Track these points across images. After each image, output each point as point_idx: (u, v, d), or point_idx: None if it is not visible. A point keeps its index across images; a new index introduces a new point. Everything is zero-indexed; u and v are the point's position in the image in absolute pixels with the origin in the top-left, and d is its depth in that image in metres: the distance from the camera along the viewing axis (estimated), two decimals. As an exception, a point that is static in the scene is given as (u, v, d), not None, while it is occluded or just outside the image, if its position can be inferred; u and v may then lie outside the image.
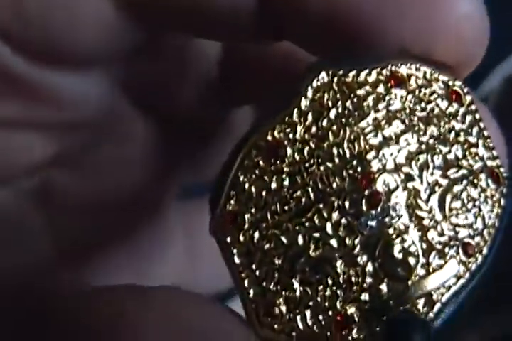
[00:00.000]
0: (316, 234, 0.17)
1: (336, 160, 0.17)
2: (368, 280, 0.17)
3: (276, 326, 0.17)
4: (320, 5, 0.17)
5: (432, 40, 0.18)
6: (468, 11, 0.18)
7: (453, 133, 0.18)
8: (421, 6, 0.17)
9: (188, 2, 0.18)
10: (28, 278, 0.23)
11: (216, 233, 0.17)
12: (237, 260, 0.17)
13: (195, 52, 0.24)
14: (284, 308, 0.17)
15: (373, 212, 0.17)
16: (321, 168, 0.17)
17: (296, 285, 0.17)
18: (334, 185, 0.17)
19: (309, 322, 0.17)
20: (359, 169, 0.17)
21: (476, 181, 0.18)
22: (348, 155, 0.17)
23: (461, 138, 0.18)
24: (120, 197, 0.25)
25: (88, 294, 0.17)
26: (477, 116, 0.19)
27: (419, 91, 0.18)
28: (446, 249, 0.18)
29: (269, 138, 0.17)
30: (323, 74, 0.17)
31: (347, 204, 0.17)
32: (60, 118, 0.22)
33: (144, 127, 0.25)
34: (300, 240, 0.17)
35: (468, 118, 0.18)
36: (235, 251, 0.17)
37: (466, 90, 0.18)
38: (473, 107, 0.19)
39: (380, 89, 0.17)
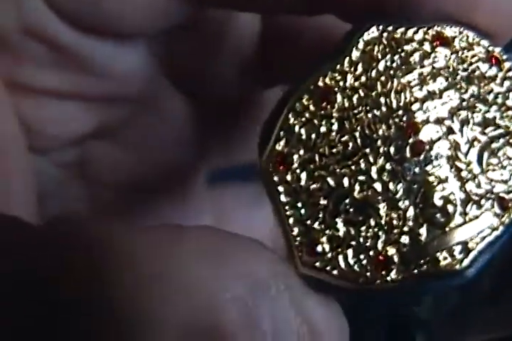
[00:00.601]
0: (362, 178, 0.18)
1: (383, 108, 0.18)
2: (409, 223, 0.18)
3: (317, 264, 0.18)
4: None
5: (471, 8, 0.19)
6: None
7: (492, 95, 0.19)
8: None
9: None
10: None
11: (264, 172, 0.18)
12: (283, 198, 0.18)
13: (234, 30, 0.25)
14: (327, 246, 0.18)
15: (416, 159, 0.18)
16: (369, 115, 0.18)
17: (339, 224, 0.18)
18: (380, 132, 0.18)
19: (351, 261, 0.18)
20: (405, 118, 0.18)
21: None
22: (394, 105, 0.18)
23: (499, 100, 0.19)
24: (153, 173, 0.26)
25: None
26: None
27: (462, 53, 0.19)
28: (483, 201, 0.19)
29: (321, 83, 0.18)
30: (373, 28, 0.19)
31: (392, 150, 0.18)
32: (102, 90, 0.23)
33: (180, 105, 0.25)
34: (346, 182, 0.18)
35: (507, 83, 0.20)
36: (281, 189, 0.18)
37: (504, 57, 0.20)
38: (510, 74, 0.20)
39: (426, 47, 0.19)
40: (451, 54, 0.19)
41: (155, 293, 0.15)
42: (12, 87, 0.21)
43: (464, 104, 0.19)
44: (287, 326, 0.16)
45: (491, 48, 0.20)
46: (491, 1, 0.19)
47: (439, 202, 0.18)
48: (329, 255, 0.18)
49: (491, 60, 0.20)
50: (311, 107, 0.18)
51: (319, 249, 0.18)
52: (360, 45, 0.18)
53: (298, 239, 0.18)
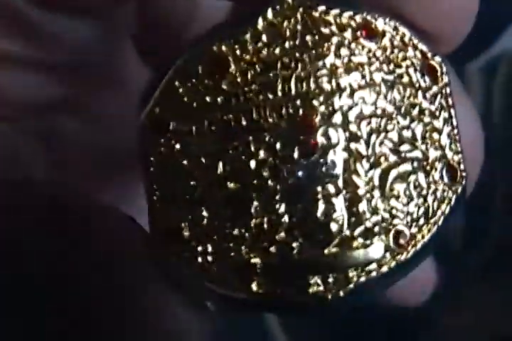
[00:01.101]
0: (237, 166, 0.15)
1: (279, 93, 0.15)
2: (282, 233, 0.15)
3: (174, 251, 0.15)
4: None
5: (417, 3, 0.16)
6: None
7: (417, 110, 0.16)
8: None
9: None
10: None
11: (139, 136, 0.16)
12: (152, 169, 0.16)
13: (203, 11, 0.24)
14: (186, 234, 0.15)
15: (304, 161, 0.15)
16: (261, 97, 0.15)
17: (205, 213, 0.15)
18: (270, 120, 0.15)
19: (209, 258, 0.15)
20: (301, 111, 0.15)
21: (429, 169, 0.16)
22: (292, 92, 0.15)
23: (426, 119, 0.16)
24: (117, 146, 0.24)
25: None
26: (450, 101, 0.17)
27: (392, 52, 0.16)
28: (376, 229, 0.15)
29: (215, 49, 0.15)
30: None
31: (278, 144, 0.15)
32: (59, 58, 0.22)
33: (146, 77, 0.24)
34: (220, 167, 0.15)
35: (439, 99, 0.17)
36: (152, 159, 0.16)
37: (445, 69, 0.17)
38: (447, 90, 0.17)
39: (348, 34, 0.16)
40: (377, 49, 0.16)
41: None
42: None
43: (379, 111, 0.16)
44: None
45: (430, 55, 0.17)
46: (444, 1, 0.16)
47: (321, 218, 0.15)
48: (189, 244, 0.15)
49: (426, 69, 0.16)
50: (199, 73, 0.15)
51: (179, 234, 0.15)
52: (269, 15, 0.15)
53: (160, 218, 0.16)
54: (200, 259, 0.15)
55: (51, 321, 0.15)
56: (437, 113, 0.16)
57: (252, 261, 0.15)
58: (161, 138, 0.16)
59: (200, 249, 0.15)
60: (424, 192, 0.16)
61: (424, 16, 0.16)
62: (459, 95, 0.18)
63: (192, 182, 0.15)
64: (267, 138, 0.15)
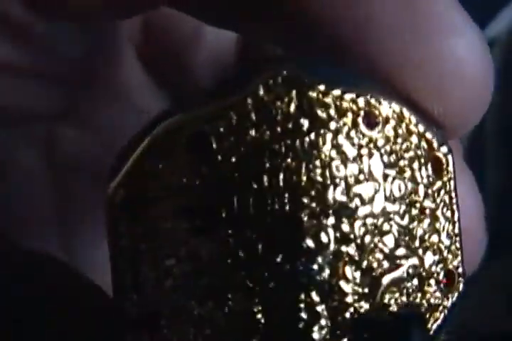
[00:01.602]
0: (213, 262, 0.13)
1: (265, 185, 0.13)
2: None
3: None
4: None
5: (420, 81, 0.15)
6: (470, 55, 0.15)
7: (417, 208, 0.14)
8: (421, 36, 0.14)
9: None
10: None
11: (106, 214, 0.14)
12: (118, 256, 0.14)
13: (212, 35, 0.24)
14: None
15: (288, 266, 0.13)
16: (244, 186, 0.13)
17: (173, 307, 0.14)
18: (252, 214, 0.13)
19: None
20: (287, 208, 0.13)
21: (424, 275, 0.15)
22: (281, 186, 0.13)
23: (426, 220, 0.15)
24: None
25: None
26: (453, 197, 0.15)
27: (395, 142, 0.14)
28: None
29: (196, 124, 0.14)
30: (284, 73, 0.14)
31: (260, 245, 0.13)
32: (62, 68, 0.22)
33: (150, 93, 0.24)
34: (193, 261, 0.14)
35: (442, 196, 0.15)
36: (120, 243, 0.14)
37: (450, 160, 0.15)
38: (452, 184, 0.15)
39: (347, 120, 0.14)
40: (379, 139, 0.14)
41: None
42: None
43: (376, 210, 0.14)
44: None
45: (435, 145, 0.15)
46: (460, 82, 0.15)
47: (303, 328, 0.13)
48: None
49: (431, 163, 0.15)
50: (176, 150, 0.14)
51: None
52: (260, 91, 0.14)
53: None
54: None
55: None
56: (439, 212, 0.15)
57: None
58: (130, 221, 0.14)
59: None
60: (418, 300, 0.14)
61: (435, 99, 0.15)
62: (463, 174, 0.16)
63: (162, 272, 0.14)
64: (247, 235, 0.13)
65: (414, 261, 0.14)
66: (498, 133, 0.51)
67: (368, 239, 0.14)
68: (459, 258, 0.15)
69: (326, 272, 0.13)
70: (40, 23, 0.21)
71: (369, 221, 0.14)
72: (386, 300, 0.14)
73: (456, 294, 0.15)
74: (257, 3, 0.15)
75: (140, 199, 0.14)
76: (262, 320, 0.13)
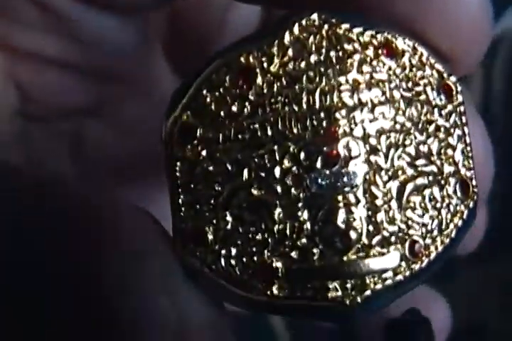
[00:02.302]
0: (263, 174, 0.16)
1: (304, 106, 0.16)
2: (303, 239, 0.16)
3: (198, 253, 0.16)
4: None
5: (431, 23, 0.17)
6: (473, 5, 0.17)
7: (433, 126, 0.17)
8: None
9: None
10: None
11: (165, 142, 0.16)
12: (178, 174, 0.16)
13: (234, 22, 0.25)
14: (211, 237, 0.16)
15: (327, 171, 0.16)
16: (286, 108, 0.16)
17: (229, 218, 0.16)
18: (295, 131, 0.16)
19: (232, 261, 0.16)
20: (324, 123, 0.16)
21: (443, 183, 0.17)
22: (317, 106, 0.16)
23: (441, 135, 0.17)
24: (140, 155, 0.25)
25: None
26: (463, 119, 0.17)
27: (410, 70, 0.17)
28: (393, 239, 0.16)
29: (243, 60, 0.16)
30: (314, 15, 0.16)
31: (302, 154, 0.16)
32: (95, 61, 0.23)
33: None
34: (245, 174, 0.16)
35: (454, 117, 0.17)
36: (178, 164, 0.16)
37: (459, 88, 0.17)
38: (461, 109, 0.17)
39: (370, 52, 0.16)
40: (397, 68, 0.17)
41: None
42: (8, 51, 0.21)
43: (398, 126, 0.16)
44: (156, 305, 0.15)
45: (445, 75, 0.17)
46: (463, 22, 0.17)
47: (341, 225, 0.16)
48: (212, 248, 0.16)
49: (442, 88, 0.17)
50: (227, 83, 0.16)
51: (203, 238, 0.16)
52: (296, 30, 0.16)
53: (184, 221, 0.16)
54: (223, 262, 0.16)
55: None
56: (452, 130, 0.17)
57: (274, 265, 0.16)
58: (187, 144, 0.16)
59: (223, 252, 0.16)
60: (439, 205, 0.17)
61: (442, 38, 0.17)
62: (471, 116, 0.18)
63: (217, 188, 0.16)
64: (291, 148, 0.16)
65: (433, 169, 0.17)
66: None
67: (392, 150, 0.16)
68: (472, 171, 0.17)
69: (360, 177, 0.16)
70: (81, 12, 0.21)
71: (392, 135, 0.16)
72: (412, 204, 0.16)
73: (472, 202, 0.17)
74: None
75: (198, 124, 0.16)
76: (307, 222, 0.16)
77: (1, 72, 0.22)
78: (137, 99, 0.25)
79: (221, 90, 0.16)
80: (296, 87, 0.16)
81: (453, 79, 0.17)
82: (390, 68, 0.17)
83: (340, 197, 0.16)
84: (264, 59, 0.16)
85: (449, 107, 0.17)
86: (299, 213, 0.16)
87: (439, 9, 0.17)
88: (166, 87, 0.25)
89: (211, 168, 0.16)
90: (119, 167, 0.25)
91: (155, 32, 0.25)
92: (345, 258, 0.16)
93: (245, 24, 0.25)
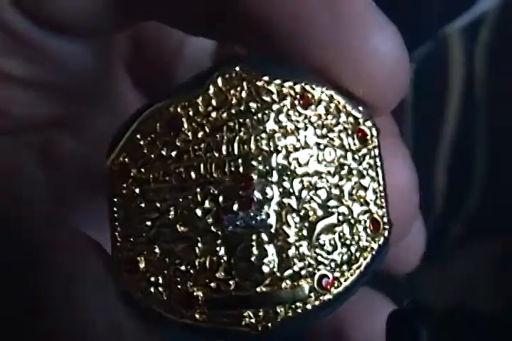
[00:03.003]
0: (186, 213, 0.18)
1: (224, 153, 0.18)
2: (221, 272, 0.18)
3: (131, 280, 0.18)
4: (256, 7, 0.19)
5: (346, 72, 0.18)
6: (383, 47, 0.18)
7: (346, 169, 0.19)
8: (344, 34, 0.18)
9: None
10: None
11: (105, 180, 0.18)
12: (115, 208, 0.18)
13: (190, 50, 0.26)
14: (142, 266, 0.18)
15: (242, 213, 0.17)
16: (208, 154, 0.18)
17: (157, 250, 0.18)
18: (215, 175, 0.18)
19: (160, 289, 0.18)
20: (241, 169, 0.18)
21: (353, 222, 0.19)
22: (235, 153, 0.18)
23: (353, 178, 0.19)
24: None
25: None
26: (377, 161, 0.19)
27: (326, 118, 0.18)
28: (303, 272, 0.18)
29: (171, 109, 0.18)
30: (237, 68, 0.18)
31: (221, 197, 0.17)
32: (58, 80, 0.24)
33: (138, 104, 0.27)
34: (172, 212, 0.18)
35: (368, 160, 0.19)
36: (115, 200, 0.18)
37: (374, 132, 0.19)
38: (376, 151, 0.19)
39: (287, 102, 0.18)
40: (313, 116, 0.18)
41: None
42: None
43: (311, 171, 0.18)
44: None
45: (361, 120, 0.19)
46: (375, 69, 0.19)
47: (255, 261, 0.17)
48: (143, 276, 0.18)
49: (357, 133, 0.19)
50: (158, 129, 0.18)
51: (135, 267, 0.18)
52: (219, 82, 0.18)
53: (120, 251, 0.18)
54: (152, 289, 0.18)
55: None
56: (365, 172, 0.19)
57: (195, 293, 0.18)
58: (123, 183, 0.18)
59: (152, 279, 0.18)
60: (348, 242, 0.18)
61: (357, 85, 0.19)
62: (395, 148, 0.20)
63: (148, 223, 0.18)
64: (211, 191, 0.18)
65: (344, 210, 0.18)
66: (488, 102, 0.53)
67: (304, 193, 0.18)
68: (384, 210, 0.19)
69: (272, 218, 0.18)
70: (44, 36, 0.22)
71: (305, 179, 0.18)
72: (321, 241, 0.18)
73: (382, 238, 0.19)
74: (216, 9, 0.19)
75: (132, 166, 0.18)
76: (225, 257, 0.18)
77: None
78: (99, 115, 0.26)
79: (152, 135, 0.18)
80: (218, 135, 0.18)
81: (368, 124, 0.19)
82: (305, 117, 0.18)
83: (254, 236, 0.18)
84: (190, 109, 0.18)
85: (363, 150, 0.19)
86: (218, 248, 0.18)
87: (353, 57, 0.18)
88: (128, 103, 0.27)
89: (143, 205, 0.18)
90: (84, 181, 0.27)
91: (117, 52, 0.26)
92: (258, 290, 0.18)
93: (203, 45, 0.26)
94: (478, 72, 0.51)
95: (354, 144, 0.19)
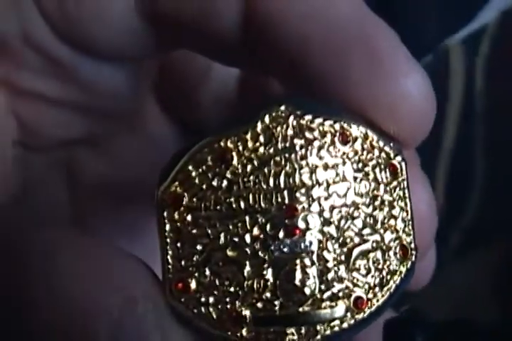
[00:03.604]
0: (236, 239, 0.19)
1: (271, 185, 0.19)
2: (267, 293, 0.19)
3: (183, 299, 0.20)
4: (293, 45, 0.20)
5: (380, 112, 0.20)
6: (414, 91, 0.20)
7: (379, 201, 0.20)
8: (379, 74, 0.20)
9: (191, 21, 0.21)
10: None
11: (158, 207, 0.20)
12: (167, 234, 0.20)
13: (217, 72, 0.27)
14: (193, 287, 0.20)
15: (288, 240, 0.19)
16: (257, 186, 0.19)
17: (207, 273, 0.20)
18: (263, 205, 0.19)
19: (210, 308, 0.20)
20: (286, 200, 0.19)
21: (385, 248, 0.20)
22: (281, 185, 0.19)
23: (385, 208, 0.20)
24: (129, 185, 0.28)
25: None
26: (406, 192, 0.21)
27: (361, 154, 0.20)
28: (340, 294, 0.20)
29: (222, 143, 0.20)
30: (283, 107, 0.20)
31: (268, 225, 0.19)
32: (89, 101, 0.25)
33: (164, 127, 0.28)
34: (222, 238, 0.19)
35: (397, 191, 0.21)
36: (167, 226, 0.20)
37: (404, 166, 0.21)
38: (405, 183, 0.21)
39: (327, 139, 0.20)
40: (350, 152, 0.20)
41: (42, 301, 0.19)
42: (11, 89, 0.24)
43: (348, 202, 0.20)
44: None
45: (392, 155, 0.21)
46: (394, 104, 0.20)
47: (298, 283, 0.19)
48: (194, 296, 0.20)
49: (388, 167, 0.21)
50: (209, 162, 0.20)
51: (186, 288, 0.20)
52: (266, 120, 0.20)
53: (172, 273, 0.20)
54: (203, 309, 0.20)
55: None
56: (395, 203, 0.21)
57: (243, 313, 0.19)
58: (176, 210, 0.20)
59: (203, 300, 0.20)
60: (380, 266, 0.20)
61: (389, 124, 0.21)
62: (418, 177, 0.22)
63: (199, 247, 0.20)
64: (259, 219, 0.19)
65: (377, 237, 0.20)
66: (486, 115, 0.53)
67: (343, 222, 0.20)
68: (411, 237, 0.21)
69: (314, 245, 0.19)
70: (79, 59, 0.24)
71: (343, 209, 0.20)
72: (357, 266, 0.20)
73: (409, 263, 0.21)
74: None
75: (184, 195, 0.20)
76: (271, 280, 0.19)
77: (4, 107, 0.24)
78: (127, 135, 0.27)
79: (204, 167, 0.20)
80: (265, 169, 0.19)
81: (398, 159, 0.21)
82: (344, 153, 0.20)
83: (298, 261, 0.19)
84: (239, 144, 0.20)
85: (394, 183, 0.21)
86: (265, 272, 0.19)
87: (388, 99, 0.20)
88: (154, 126, 0.28)
89: (194, 231, 0.20)
90: (112, 197, 0.28)
91: (146, 77, 0.27)
92: (300, 309, 0.19)
93: (229, 69, 0.27)
94: (478, 83, 0.52)
95: (386, 178, 0.21)
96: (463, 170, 0.54)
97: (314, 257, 0.19)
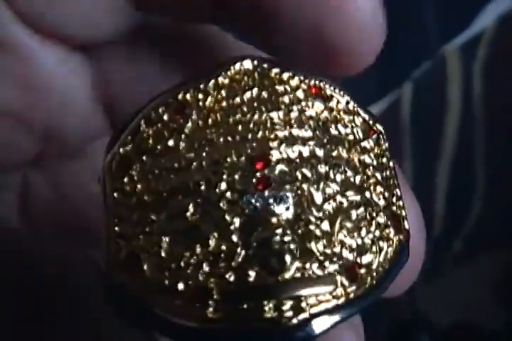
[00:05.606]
0: (199, 200, 0.16)
1: (237, 137, 0.17)
2: (238, 260, 0.16)
3: (132, 280, 0.16)
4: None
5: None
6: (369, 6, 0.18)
7: (363, 165, 0.18)
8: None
9: None
10: None
11: (104, 174, 0.17)
12: (114, 205, 0.17)
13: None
14: (146, 264, 0.16)
15: (260, 194, 0.16)
16: (221, 139, 0.17)
17: (164, 244, 0.16)
18: (229, 160, 0.17)
19: (166, 287, 0.16)
20: (258, 151, 0.17)
21: (375, 215, 0.17)
22: (250, 136, 0.17)
23: (370, 172, 0.18)
24: (81, 213, 0.25)
25: None
26: (390, 163, 0.18)
27: (338, 114, 0.18)
28: (327, 263, 0.16)
29: (180, 97, 0.17)
30: (248, 61, 0.18)
31: (237, 180, 0.16)
32: (40, 113, 0.22)
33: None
34: (181, 202, 0.16)
35: (382, 159, 0.18)
36: (115, 195, 0.17)
37: (382, 136, 0.18)
38: (387, 154, 0.18)
39: (299, 93, 0.18)
40: (325, 109, 0.18)
41: None
42: None
43: (328, 160, 0.17)
44: None
45: (371, 122, 0.18)
46: (354, 15, 0.18)
47: (275, 247, 0.16)
48: (147, 273, 0.16)
49: (369, 133, 0.18)
50: (165, 117, 0.17)
51: (138, 263, 0.16)
52: (230, 72, 0.17)
53: (119, 251, 0.16)
54: (157, 289, 0.16)
55: None
56: (381, 170, 0.18)
57: (209, 286, 0.16)
58: (124, 177, 0.17)
59: (157, 279, 0.16)
60: (372, 229, 0.17)
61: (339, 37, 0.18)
62: (402, 187, 0.19)
63: (153, 216, 0.17)
64: (225, 175, 0.17)
65: (363, 198, 0.17)
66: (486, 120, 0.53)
67: (323, 177, 0.17)
68: (404, 212, 0.18)
69: (291, 199, 0.16)
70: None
71: (322, 165, 0.17)
72: (345, 227, 0.17)
73: (403, 237, 0.18)
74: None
75: (136, 157, 0.17)
76: (241, 245, 0.16)
77: None
78: (79, 160, 0.25)
79: (159, 125, 0.17)
80: (231, 120, 0.17)
81: (379, 126, 0.18)
82: (318, 107, 0.18)
83: (274, 220, 0.16)
84: (200, 97, 0.17)
85: (376, 150, 0.18)
86: (233, 236, 0.16)
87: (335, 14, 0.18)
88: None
89: (146, 198, 0.17)
90: (60, 221, 0.25)
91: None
92: (279, 279, 0.16)
93: None
94: (476, 88, 0.51)
95: (368, 142, 0.18)
96: (464, 177, 0.53)
97: (292, 214, 0.16)
